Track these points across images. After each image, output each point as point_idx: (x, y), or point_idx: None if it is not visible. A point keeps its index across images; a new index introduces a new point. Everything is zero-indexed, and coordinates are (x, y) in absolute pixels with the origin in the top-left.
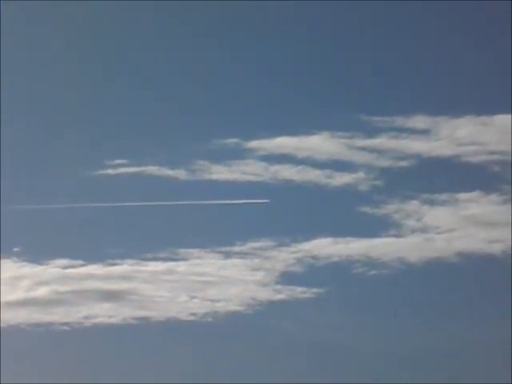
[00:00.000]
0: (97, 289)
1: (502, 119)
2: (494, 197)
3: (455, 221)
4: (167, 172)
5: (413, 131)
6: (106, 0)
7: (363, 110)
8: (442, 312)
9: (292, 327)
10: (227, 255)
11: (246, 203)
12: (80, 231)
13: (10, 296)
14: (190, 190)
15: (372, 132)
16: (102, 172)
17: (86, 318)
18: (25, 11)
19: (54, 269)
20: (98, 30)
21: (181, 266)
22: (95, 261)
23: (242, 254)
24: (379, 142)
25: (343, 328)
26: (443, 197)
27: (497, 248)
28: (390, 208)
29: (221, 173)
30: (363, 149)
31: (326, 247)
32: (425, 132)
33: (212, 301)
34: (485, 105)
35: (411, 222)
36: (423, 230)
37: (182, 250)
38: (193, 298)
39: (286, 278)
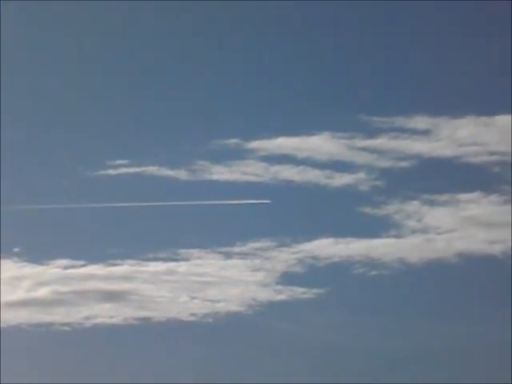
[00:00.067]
0: (97, 289)
1: (502, 120)
2: (494, 197)
3: (455, 221)
4: (168, 172)
5: (413, 132)
6: (106, 0)
7: (364, 110)
8: (442, 313)
9: (293, 328)
10: (228, 256)
11: (246, 203)
12: (81, 231)
13: (10, 296)
14: (190, 190)
15: (372, 132)
16: (102, 172)
17: (87, 318)
18: (25, 11)
19: (54, 269)
20: (98, 30)
21: (181, 267)
22: (96, 261)
23: (243, 255)
24: (380, 142)
25: (344, 328)
26: (444, 197)
27: (497, 249)
28: (391, 208)
29: (221, 173)
30: (364, 149)
31: (326, 248)
32: (425, 132)
33: (212, 301)
34: (485, 105)
35: (412, 223)
36: (424, 230)
37: (182, 251)
38: (193, 298)
39: (287, 279)
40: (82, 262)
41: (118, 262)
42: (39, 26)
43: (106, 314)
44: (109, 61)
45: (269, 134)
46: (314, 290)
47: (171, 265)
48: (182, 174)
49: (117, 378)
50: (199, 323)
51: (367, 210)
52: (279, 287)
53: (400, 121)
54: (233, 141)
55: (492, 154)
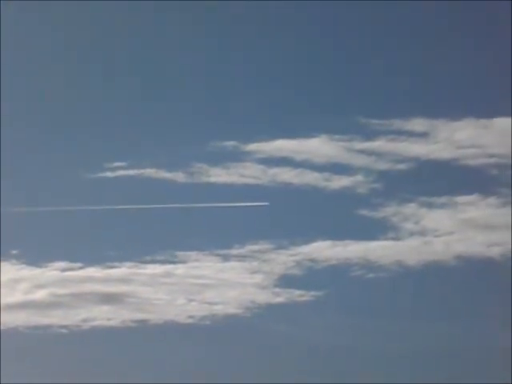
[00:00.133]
0: (95, 291)
1: (501, 122)
2: (492, 200)
3: (454, 224)
4: (165, 175)
5: (411, 134)
6: (106, 0)
7: (362, 112)
8: (440, 315)
9: (291, 330)
10: (226, 258)
11: (245, 206)
12: (78, 234)
13: (8, 299)
14: (188, 192)
15: (370, 135)
16: (100, 175)
17: (85, 320)
18: (25, 11)
19: (52, 271)
20: (98, 32)
21: (179, 269)
22: (94, 263)
23: (241, 257)
24: (378, 144)
25: (342, 331)
26: (442, 200)
27: (495, 251)
28: (389, 211)
29: (219, 175)
30: (362, 152)
31: (324, 250)
32: (423, 135)
33: (210, 304)
34: (484, 108)
35: (409, 225)
36: (421, 233)
37: (180, 253)
38: (191, 300)
39: (285, 281)
40: (79, 265)
41: (116, 264)
42: (39, 26)
43: (103, 316)
44: (107, 62)
45: (267, 137)
46: (312, 293)
47: (169, 267)
48: (179, 177)
49: (114, 381)
50: (197, 326)
51: (365, 212)
52: (277, 290)
53: (398, 123)
54: (231, 143)
55: (490, 156)
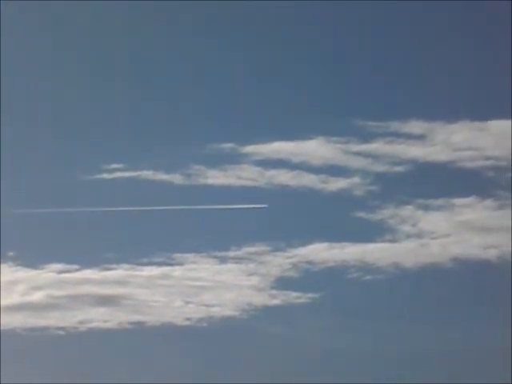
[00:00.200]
0: (92, 293)
1: (497, 124)
2: (489, 202)
3: (450, 226)
4: (163, 176)
5: (408, 136)
6: (106, 0)
7: (359, 114)
8: (437, 317)
9: (287, 332)
10: (222, 260)
11: (242, 208)
12: (75, 236)
13: (5, 300)
14: (185, 194)
15: (367, 137)
16: (97, 176)
17: (81, 322)
18: (25, 11)
19: (49, 273)
20: (97, 33)
21: (176, 271)
22: (90, 265)
23: (238, 259)
24: (375, 147)
25: (338, 333)
26: (438, 202)
27: (492, 253)
28: (386, 213)
29: (216, 177)
30: (359, 154)
31: (321, 252)
32: (420, 137)
33: (207, 306)
34: (480, 110)
35: (406, 227)
36: (418, 235)
37: (177, 255)
38: (188, 302)
39: (282, 283)
40: (76, 267)
41: (113, 266)
42: (39, 26)
43: (100, 318)
44: (105, 63)
45: (264, 139)
46: (309, 295)
47: (166, 269)
48: (177, 179)
49: (111, 382)
50: (194, 328)
51: (362, 214)
52: (274, 292)
53: (395, 125)
54: (228, 145)
55: (487, 158)
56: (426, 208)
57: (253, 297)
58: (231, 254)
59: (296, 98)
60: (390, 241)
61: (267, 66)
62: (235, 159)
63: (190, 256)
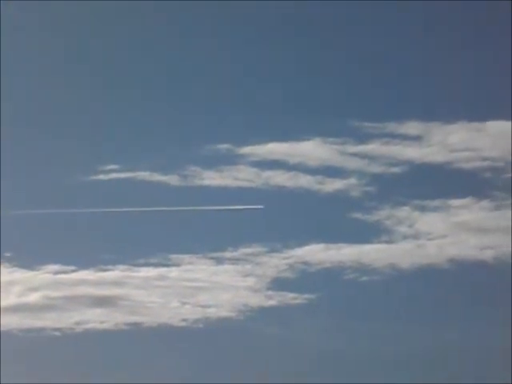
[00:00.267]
0: (88, 294)
1: (494, 125)
2: (485, 203)
3: (447, 227)
4: (159, 177)
5: (405, 137)
6: (106, 0)
7: (355, 115)
8: (433, 318)
9: (283, 333)
10: (219, 261)
11: (239, 209)
12: (72, 236)
13: (1, 302)
14: (181, 195)
15: (364, 138)
16: (94, 177)
17: (78, 323)
18: (25, 11)
19: (45, 274)
20: (96, 34)
21: (172, 272)
22: (87, 266)
23: (234, 260)
24: (371, 148)
25: (335, 334)
26: (435, 203)
27: (489, 254)
28: (382, 214)
29: (213, 178)
30: (355, 155)
31: (317, 253)
32: (417, 138)
33: (203, 307)
34: (477, 111)
35: (403, 228)
36: (415, 236)
37: (173, 256)
38: (184, 303)
39: (278, 284)
40: (72, 268)
41: (109, 267)
42: (39, 26)
43: (96, 319)
44: (102, 65)
45: (260, 140)
46: (305, 296)
47: (162, 270)
48: (173, 180)
49: (108, 383)
50: (190, 328)
51: (358, 215)
52: (270, 293)
53: (391, 126)
54: (224, 146)
55: (483, 159)
56: (423, 209)
57: (249, 298)
58: (227, 254)
59: (292, 98)
60: (387, 242)
61: (263, 67)
62: (232, 160)
63: (187, 257)
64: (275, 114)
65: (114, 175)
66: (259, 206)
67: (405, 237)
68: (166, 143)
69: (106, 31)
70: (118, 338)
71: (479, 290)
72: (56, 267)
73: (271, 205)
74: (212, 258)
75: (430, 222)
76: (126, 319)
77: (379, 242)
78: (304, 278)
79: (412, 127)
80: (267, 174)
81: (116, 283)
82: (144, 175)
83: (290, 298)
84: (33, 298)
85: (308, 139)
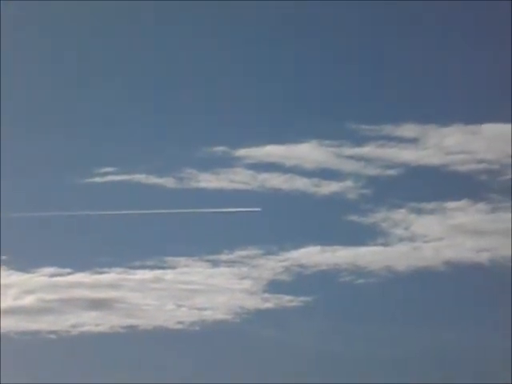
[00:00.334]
0: (84, 297)
1: (489, 128)
2: (481, 205)
3: (443, 229)
4: (155, 180)
5: (401, 140)
6: (106, 0)
7: (351, 118)
8: (429, 321)
9: (280, 335)
10: (215, 264)
11: (235, 211)
12: (67, 239)
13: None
14: (177, 198)
15: (360, 140)
16: (89, 180)
17: (74, 326)
18: (25, 11)
19: (41, 277)
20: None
21: (168, 275)
22: (82, 269)
23: (230, 263)
24: (367, 150)
25: (331, 336)
26: (431, 205)
27: (485, 257)
28: (378, 216)
29: (209, 181)
30: (351, 157)
31: (313, 256)
32: (413, 141)
33: (199, 309)
34: (473, 114)
35: (399, 231)
36: (411, 238)
37: (169, 259)
38: (180, 306)
39: (274, 287)
40: (68, 270)
41: (105, 269)
42: (39, 26)
43: (92, 321)
44: (99, 67)
45: (256, 142)
46: (301, 298)
47: (158, 273)
48: (169, 182)
49: None
50: (186, 331)
51: (354, 218)
52: (266, 295)
53: (387, 129)
54: (220, 148)
55: (479, 162)
56: (419, 211)
57: (245, 300)
58: (223, 257)
59: (289, 101)
60: (383, 244)
61: (260, 69)
62: (228, 163)
63: (183, 259)
64: (271, 117)
65: (109, 178)
66: (256, 209)
67: (401, 239)
68: (162, 145)
69: (102, 33)
70: (113, 340)
71: (475, 293)
72: (52, 270)
73: (267, 207)
74: (208, 261)
75: (426, 224)
76: (122, 322)
77: (375, 245)
78: (300, 281)
79: (408, 130)
80: (263, 176)
81: (112, 286)
82: (140, 178)
83: (286, 300)
84: (28, 300)
85: (304, 142)
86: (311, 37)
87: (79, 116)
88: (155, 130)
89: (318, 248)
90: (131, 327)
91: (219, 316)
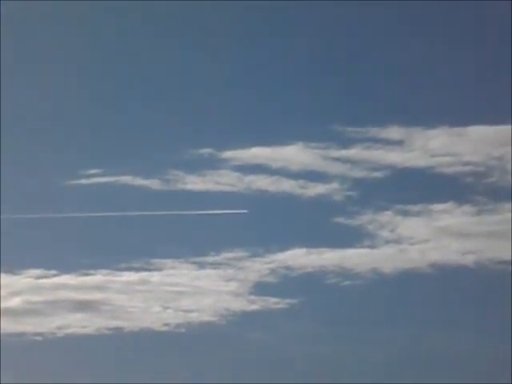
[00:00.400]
0: (70, 299)
1: (475, 130)
2: (467, 208)
3: (429, 232)
4: (141, 182)
5: (387, 142)
6: (106, 0)
7: (337, 120)
8: (415, 322)
9: (266, 338)
10: (201, 266)
11: (221, 214)
12: (53, 241)
13: None
14: (163, 200)
15: (346, 143)
16: (75, 182)
17: (59, 328)
18: (25, 11)
19: (26, 279)
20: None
21: (154, 277)
22: (68, 271)
23: (216, 265)
24: (353, 152)
25: (317, 338)
26: (417, 208)
27: (470, 259)
28: (364, 219)
29: (195, 183)
30: (337, 159)
31: (299, 258)
32: (399, 143)
33: (185, 311)
34: (458, 116)
35: (385, 233)
36: (397, 240)
37: (155, 261)
38: (166, 308)
39: (260, 289)
40: (54, 272)
41: (91, 271)
42: (39, 26)
43: (78, 323)
44: (85, 69)
45: (243, 144)
46: (287, 300)
47: (144, 275)
48: (155, 184)
49: None
50: (172, 333)
51: (341, 220)
52: (252, 297)
53: (373, 131)
54: (206, 150)
55: (465, 164)
56: (405, 213)
57: (231, 302)
58: (209, 259)
59: (275, 103)
60: (369, 246)
61: (246, 72)
62: (214, 164)
63: (169, 261)
64: (258, 119)
65: (95, 179)
66: (243, 211)
67: (387, 241)
68: (148, 147)
69: (89, 34)
70: (99, 342)
71: (461, 295)
72: (38, 272)
73: (253, 209)
74: (194, 263)
75: (412, 226)
76: (108, 324)
77: (361, 247)
78: (286, 283)
79: (394, 132)
80: (249, 178)
81: (98, 288)
82: (126, 179)
83: (272, 302)
84: (14, 302)
85: (290, 144)
86: (297, 39)
87: (65, 118)
88: (141, 132)
89: (304, 250)
90: (117, 329)
91: (205, 318)
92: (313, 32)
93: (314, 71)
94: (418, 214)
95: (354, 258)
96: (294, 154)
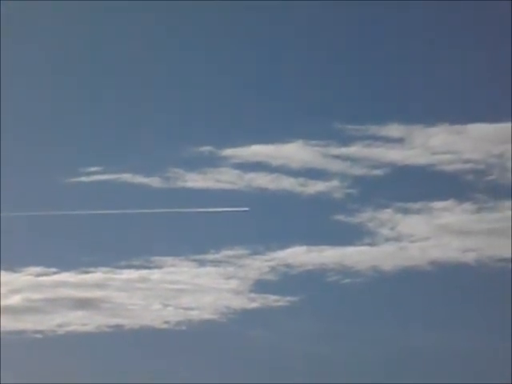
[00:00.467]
0: (70, 297)
1: (475, 128)
2: (467, 205)
3: (429, 229)
4: (141, 179)
5: (387, 140)
6: (106, 0)
7: (337, 118)
8: (415, 321)
9: (266, 335)
10: (201, 263)
11: (221, 211)
12: (53, 239)
13: None
14: (164, 197)
15: (346, 140)
16: (76, 179)
17: (59, 325)
18: (25, 11)
19: (26, 276)
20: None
21: (154, 274)
22: (68, 268)
23: (216, 262)
24: (353, 150)
25: (317, 336)
26: (417, 205)
27: (470, 257)
28: (364, 216)
29: (195, 180)
30: (337, 157)
31: (299, 255)
32: (399, 140)
33: (186, 309)
34: (458, 114)
35: (385, 231)
36: (397, 238)
37: (155, 258)
38: (166, 306)
39: (260, 287)
40: (54, 270)
41: (91, 269)
42: (39, 26)
43: (78, 321)
44: (86, 67)
45: (243, 142)
46: (288, 298)
47: (144, 272)
48: (155, 182)
49: None
50: (172, 331)
51: (341, 217)
52: (252, 295)
53: (374, 129)
54: (207, 148)
55: (465, 162)
56: (405, 211)
57: (231, 300)
58: (210, 257)
59: (275, 101)
60: (369, 244)
61: (246, 69)
62: (214, 162)
63: (169, 259)
64: (258, 117)
65: (96, 177)
66: (244, 208)
67: (387, 239)
68: (149, 145)
69: (90, 33)
70: (99, 340)
71: (461, 293)
72: (38, 269)
73: (253, 207)
74: (194, 261)
75: (413, 224)
76: (108, 321)
77: (362, 245)
78: (286, 281)
79: (394, 130)
80: (250, 176)
81: (98, 285)
82: (126, 177)
83: (273, 300)
84: (14, 300)
85: (290, 141)
86: (298, 37)
87: (65, 115)
88: (141, 129)
89: (304, 248)
90: (117, 327)
91: (205, 316)
92: (313, 31)
93: (313, 69)
94: (418, 211)
95: (355, 255)
96: (294, 152)
